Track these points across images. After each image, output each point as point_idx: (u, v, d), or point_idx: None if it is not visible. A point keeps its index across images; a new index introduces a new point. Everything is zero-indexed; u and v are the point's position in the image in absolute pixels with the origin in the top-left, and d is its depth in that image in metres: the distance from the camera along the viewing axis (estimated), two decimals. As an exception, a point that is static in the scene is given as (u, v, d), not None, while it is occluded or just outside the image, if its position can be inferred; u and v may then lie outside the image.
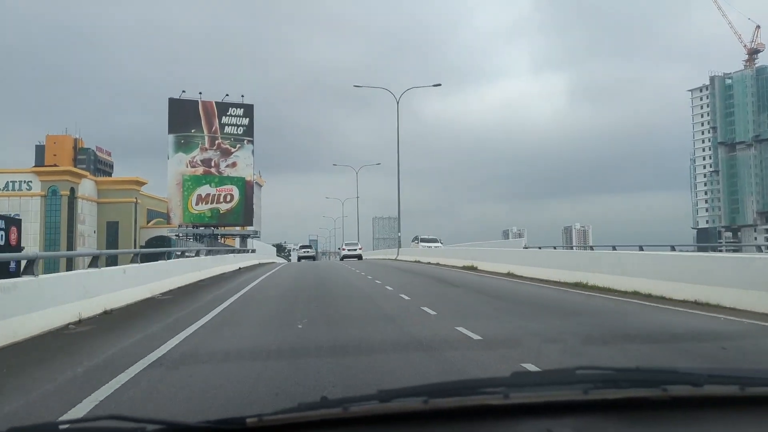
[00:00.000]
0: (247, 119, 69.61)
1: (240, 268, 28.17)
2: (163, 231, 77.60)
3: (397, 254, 39.58)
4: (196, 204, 67.47)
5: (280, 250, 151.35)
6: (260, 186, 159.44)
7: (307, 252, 61.04)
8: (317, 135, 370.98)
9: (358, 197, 75.29)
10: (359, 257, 46.51)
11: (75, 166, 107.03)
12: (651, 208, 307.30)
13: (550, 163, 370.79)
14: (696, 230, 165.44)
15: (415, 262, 32.35)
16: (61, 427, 1.34)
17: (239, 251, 34.15)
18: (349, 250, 49.42)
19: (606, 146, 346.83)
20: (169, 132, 66.86)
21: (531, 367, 5.44)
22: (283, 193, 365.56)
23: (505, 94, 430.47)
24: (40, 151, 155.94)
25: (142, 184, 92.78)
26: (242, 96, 69.20)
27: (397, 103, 49.06)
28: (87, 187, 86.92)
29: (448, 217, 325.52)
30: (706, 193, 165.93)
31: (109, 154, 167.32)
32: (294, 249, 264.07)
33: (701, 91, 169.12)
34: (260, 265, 33.12)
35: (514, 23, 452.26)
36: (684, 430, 1.38)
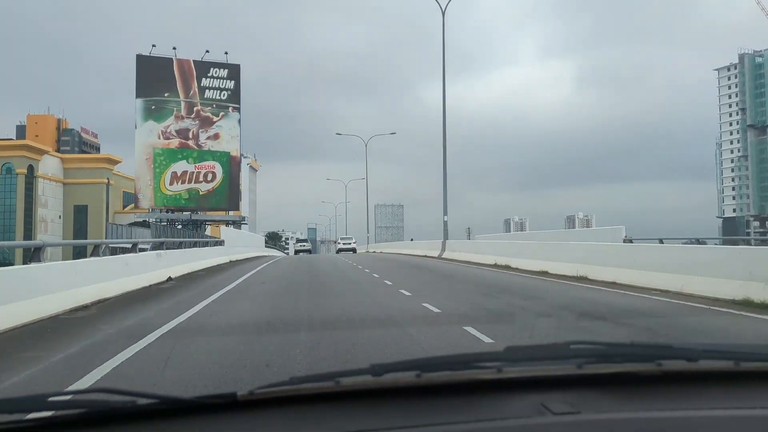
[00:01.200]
0: (233, 82, 57.96)
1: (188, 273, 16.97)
2: (132, 216, 66.11)
3: (443, 250, 26.90)
4: (170, 183, 56.10)
5: (276, 239, 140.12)
6: (255, 170, 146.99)
7: (303, 246, 59.92)
8: (319, 121, 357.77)
9: (366, 177, 63.50)
10: (354, 250, 49.48)
11: (58, 149, 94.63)
12: (666, 197, 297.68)
13: (555, 151, 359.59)
14: (722, 220, 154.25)
15: (473, 265, 21.14)
16: (50, 399, 1.34)
17: (199, 243, 22.82)
18: (344, 244, 52.57)
19: (616, 133, 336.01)
20: (137, 96, 55.20)
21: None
22: (282, 180, 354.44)
23: (512, 80, 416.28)
24: (21, 131, 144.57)
25: (115, 162, 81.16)
26: (226, 53, 57.23)
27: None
28: (50, 164, 75.32)
29: (449, 205, 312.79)
30: (733, 180, 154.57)
31: (96, 136, 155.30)
32: (292, 237, 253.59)
33: (729, 70, 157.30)
34: (231, 264, 21.84)
35: (521, 9, 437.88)
36: (678, 404, 1.37)
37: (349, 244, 52.17)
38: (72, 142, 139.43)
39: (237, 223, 60.35)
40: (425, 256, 26.71)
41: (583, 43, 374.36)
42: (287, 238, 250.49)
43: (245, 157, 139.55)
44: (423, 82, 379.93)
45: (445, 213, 28.77)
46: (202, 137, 56.97)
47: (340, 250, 50.05)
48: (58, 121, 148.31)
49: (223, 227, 22.90)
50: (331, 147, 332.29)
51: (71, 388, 4.55)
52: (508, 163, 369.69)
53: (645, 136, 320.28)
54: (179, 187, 56.01)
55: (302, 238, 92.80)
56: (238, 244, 27.92)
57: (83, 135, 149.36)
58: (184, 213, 56.48)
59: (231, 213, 59.94)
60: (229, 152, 57.67)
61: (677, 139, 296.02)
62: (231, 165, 57.87)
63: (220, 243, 22.47)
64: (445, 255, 25.43)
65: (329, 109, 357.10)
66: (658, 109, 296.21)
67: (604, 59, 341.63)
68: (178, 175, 56.01)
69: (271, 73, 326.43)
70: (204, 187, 56.73)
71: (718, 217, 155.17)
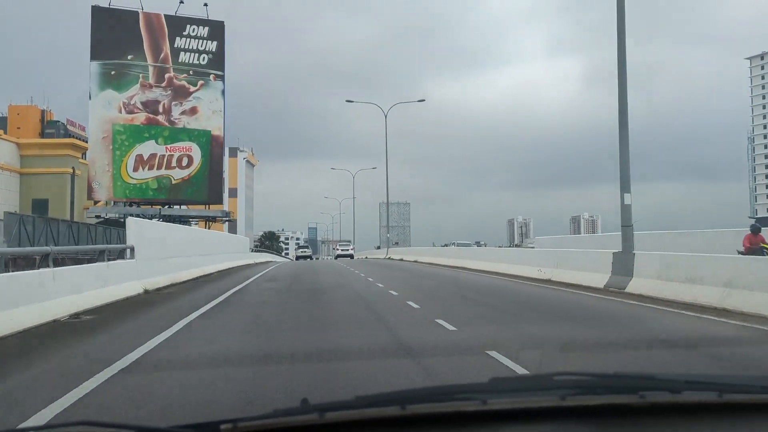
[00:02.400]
0: (215, 44, 46.20)
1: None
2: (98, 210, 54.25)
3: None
4: (135, 170, 44.40)
5: (273, 239, 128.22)
6: (252, 165, 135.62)
7: (304, 252, 61.77)
8: (320, 120, 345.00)
9: (389, 158, 52.03)
10: (351, 256, 48.93)
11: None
12: (681, 198, 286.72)
13: (561, 150, 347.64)
14: (754, 220, 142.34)
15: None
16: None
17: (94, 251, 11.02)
18: (342, 250, 53.12)
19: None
20: (92, 58, 43.44)
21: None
22: (282, 178, 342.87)
23: (517, 79, 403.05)
24: (2, 123, 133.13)
25: (82, 149, 69.30)
26: (206, 5, 45.50)
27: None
28: (3, 151, 63.45)
29: (451, 205, 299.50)
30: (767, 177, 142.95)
31: (83, 129, 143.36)
32: (292, 237, 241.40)
33: (762, 59, 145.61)
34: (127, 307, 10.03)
35: (528, 5, 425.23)
36: None
37: (347, 250, 52.70)
38: (57, 134, 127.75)
39: (221, 221, 48.90)
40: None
41: (591, 39, 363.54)
42: (287, 238, 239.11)
43: (242, 151, 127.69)
44: (424, 78, 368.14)
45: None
46: (176, 111, 45.31)
47: (338, 256, 50.51)
48: (42, 112, 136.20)
49: (131, 220, 11.14)
50: (335, 145, 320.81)
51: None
52: (512, 161, 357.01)
53: (655, 134, 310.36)
54: (146, 174, 44.38)
55: (303, 244, 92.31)
56: (189, 252, 16.13)
57: (69, 128, 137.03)
58: (153, 206, 44.85)
59: (214, 208, 48.23)
60: (210, 131, 45.98)
61: (687, 137, 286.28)
62: (212, 147, 46.19)
63: (126, 252, 10.52)
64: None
65: (331, 106, 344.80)
66: (667, 107, 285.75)
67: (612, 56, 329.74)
68: (145, 158, 44.36)
69: (273, 67, 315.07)
70: (178, 175, 45.09)
71: (750, 217, 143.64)
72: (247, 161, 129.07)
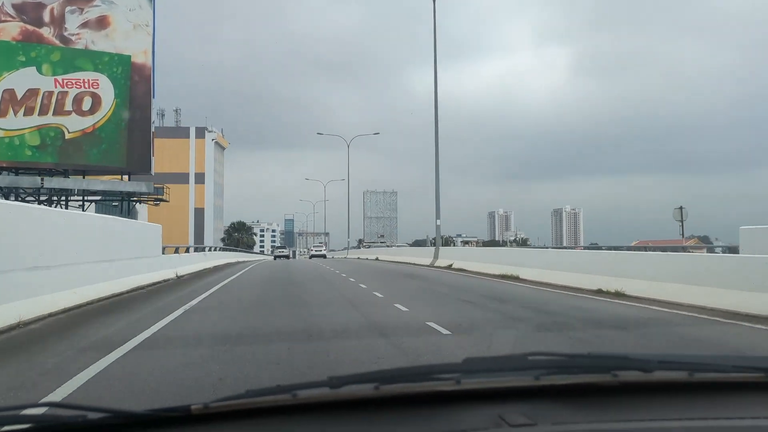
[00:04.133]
0: None
1: None
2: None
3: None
4: (3, 114, 27.45)
5: (243, 230, 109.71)
6: (223, 148, 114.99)
7: (282, 252, 68.70)
8: (301, 108, 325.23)
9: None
10: (324, 256, 56.00)
11: None
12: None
13: (544, 142, 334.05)
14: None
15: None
16: None
17: None
18: (316, 250, 64.19)
19: (606, 124, 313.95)
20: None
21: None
22: (258, 168, 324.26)
23: (502, 69, 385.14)
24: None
25: None
26: None
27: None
28: None
29: (430, 197, 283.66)
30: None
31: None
32: (267, 229, 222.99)
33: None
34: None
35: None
36: (634, 415, 1.41)
37: (320, 250, 63.01)
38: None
39: (142, 201, 32.18)
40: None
41: (579, 29, 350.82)
42: (262, 230, 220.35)
43: (210, 132, 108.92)
44: (410, 68, 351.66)
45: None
46: (73, 22, 28.17)
47: (312, 256, 57.46)
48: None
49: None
50: (313, 135, 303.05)
51: None
52: (493, 154, 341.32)
53: (636, 126, 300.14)
54: (20, 123, 27.23)
55: (281, 245, 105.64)
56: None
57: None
58: (31, 171, 27.78)
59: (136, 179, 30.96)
60: (130, 56, 28.86)
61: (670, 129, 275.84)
62: (134, 82, 29.07)
63: None
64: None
65: (311, 95, 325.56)
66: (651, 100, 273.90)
67: (601, 46, 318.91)
68: (18, 96, 27.19)
69: (253, 55, 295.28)
70: (75, 124, 27.98)
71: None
72: (217, 143, 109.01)
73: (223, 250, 38.75)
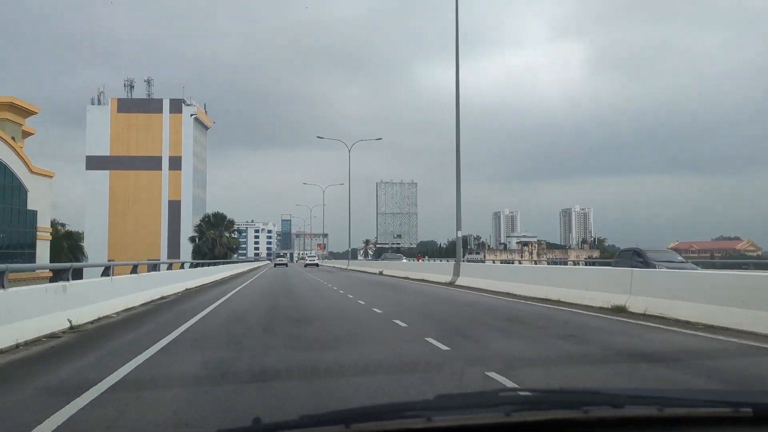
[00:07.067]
0: None
1: None
2: None
3: None
4: None
5: (221, 225, 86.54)
6: (206, 128, 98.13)
7: (281, 260, 75.16)
8: (303, 105, 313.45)
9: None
10: (317, 265, 63.75)
11: None
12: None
13: (555, 141, 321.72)
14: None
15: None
16: None
17: None
18: (310, 260, 70.62)
19: (622, 123, 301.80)
20: None
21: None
22: (261, 167, 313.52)
23: (514, 64, 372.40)
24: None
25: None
26: None
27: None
28: None
29: (435, 196, 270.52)
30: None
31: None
32: (263, 230, 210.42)
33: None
34: None
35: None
36: None
37: (314, 260, 70.43)
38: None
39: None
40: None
41: (593, 24, 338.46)
42: (257, 231, 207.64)
43: (189, 105, 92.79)
44: (418, 62, 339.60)
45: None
46: None
47: (306, 265, 64.66)
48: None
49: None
50: (313, 135, 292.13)
51: None
52: (501, 152, 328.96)
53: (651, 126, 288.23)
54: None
55: (281, 254, 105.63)
56: None
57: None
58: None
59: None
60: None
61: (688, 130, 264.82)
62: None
63: None
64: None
65: (315, 89, 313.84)
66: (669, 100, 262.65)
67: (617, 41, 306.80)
68: None
69: (253, 49, 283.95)
70: None
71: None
72: (197, 119, 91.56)
73: (189, 265, 26.41)
